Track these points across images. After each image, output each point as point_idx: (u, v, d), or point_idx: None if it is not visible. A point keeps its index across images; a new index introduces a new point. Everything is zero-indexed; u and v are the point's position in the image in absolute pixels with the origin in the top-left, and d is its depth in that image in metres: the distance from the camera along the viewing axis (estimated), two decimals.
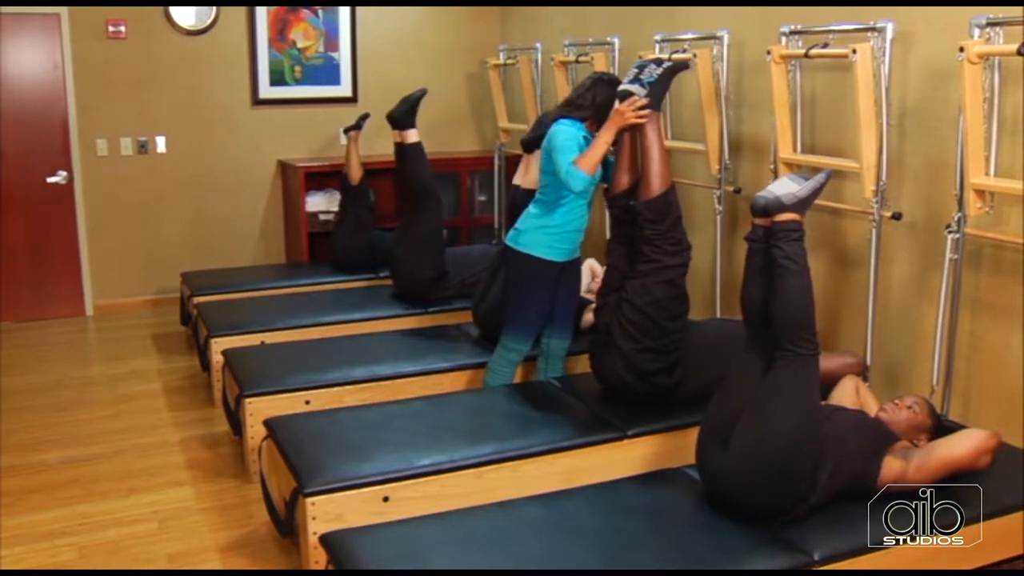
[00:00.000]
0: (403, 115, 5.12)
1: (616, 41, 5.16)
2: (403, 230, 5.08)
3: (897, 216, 3.55)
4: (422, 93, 5.22)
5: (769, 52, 3.85)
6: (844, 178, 3.90)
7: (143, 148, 6.14)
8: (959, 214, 3.24)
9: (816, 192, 2.66)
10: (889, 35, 3.44)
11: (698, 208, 4.80)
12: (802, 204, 2.61)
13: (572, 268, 3.86)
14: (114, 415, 4.45)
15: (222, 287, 5.37)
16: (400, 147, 5.11)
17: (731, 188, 4.46)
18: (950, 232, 3.27)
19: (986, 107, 3.13)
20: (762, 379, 2.59)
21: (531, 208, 3.79)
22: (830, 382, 3.27)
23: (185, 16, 6.08)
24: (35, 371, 5.07)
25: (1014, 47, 2.88)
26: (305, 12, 6.36)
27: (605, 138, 3.47)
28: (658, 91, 3.42)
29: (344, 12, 6.44)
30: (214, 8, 6.12)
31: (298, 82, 6.43)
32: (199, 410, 4.51)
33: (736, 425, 2.60)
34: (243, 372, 3.87)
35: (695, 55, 4.30)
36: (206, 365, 4.63)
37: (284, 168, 6.40)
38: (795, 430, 2.53)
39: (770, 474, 2.53)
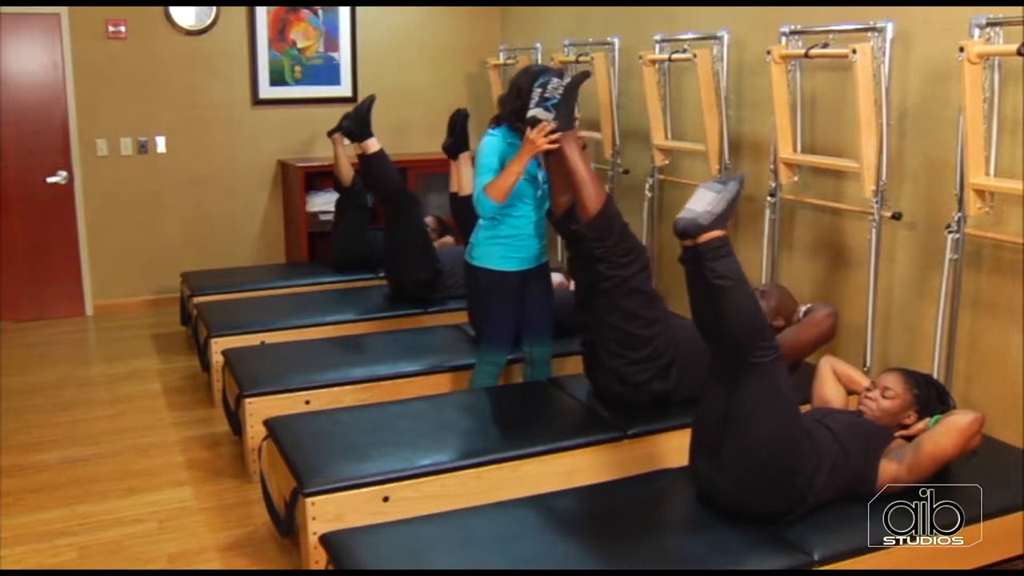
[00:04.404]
0: (357, 127, 5.03)
1: (616, 41, 5.16)
2: (389, 236, 5.07)
3: (897, 216, 3.55)
4: (371, 100, 5.11)
5: (769, 52, 3.85)
6: (844, 178, 3.90)
7: (143, 148, 6.14)
8: (959, 214, 3.24)
9: (732, 202, 2.55)
10: (889, 35, 3.44)
11: None
12: (721, 219, 2.51)
13: (538, 274, 3.75)
14: (114, 415, 4.45)
15: (222, 287, 5.37)
16: (363, 158, 5.05)
17: None
18: (950, 232, 3.27)
19: (986, 107, 3.13)
20: (735, 391, 2.57)
21: (480, 220, 3.69)
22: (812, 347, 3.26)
23: (185, 16, 6.08)
24: (35, 371, 5.07)
25: (1014, 47, 2.88)
26: (305, 12, 6.36)
27: (515, 168, 3.41)
28: (565, 110, 3.29)
29: (344, 12, 6.45)
30: (214, 8, 6.12)
31: (298, 82, 6.43)
32: (199, 410, 4.51)
33: (722, 434, 2.60)
34: (243, 372, 3.87)
35: (695, 55, 4.30)
36: (206, 365, 4.63)
37: (284, 168, 6.40)
38: (779, 435, 2.52)
39: (767, 478, 2.54)
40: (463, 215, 4.24)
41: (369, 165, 5.03)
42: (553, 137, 3.29)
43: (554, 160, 3.37)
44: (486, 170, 3.50)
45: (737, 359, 2.52)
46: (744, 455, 2.54)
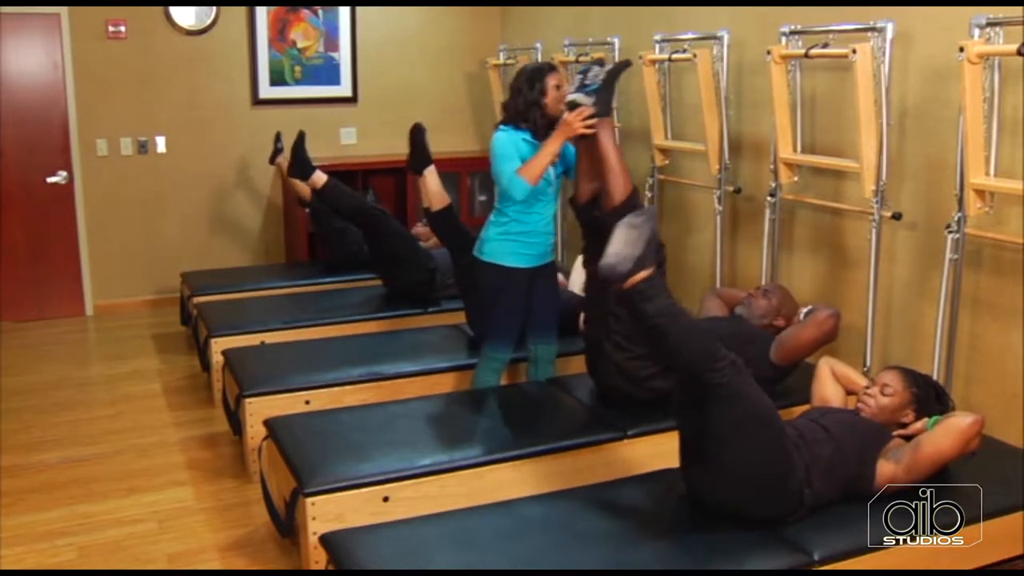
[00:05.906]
0: (300, 168, 5.01)
1: (616, 41, 5.17)
2: (373, 251, 5.09)
3: (897, 216, 3.55)
4: (301, 137, 5.07)
5: (769, 52, 3.85)
6: (844, 178, 3.90)
7: (143, 148, 6.14)
8: (959, 214, 3.24)
9: (650, 241, 2.52)
10: (889, 35, 3.44)
11: (698, 208, 4.81)
12: (642, 260, 2.48)
13: (546, 272, 3.77)
14: (114, 415, 4.45)
15: (222, 287, 5.37)
16: (316, 192, 5.07)
17: (731, 188, 4.46)
18: (950, 232, 3.27)
19: (986, 107, 3.13)
20: (706, 416, 2.55)
21: (491, 216, 3.70)
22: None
23: (185, 16, 6.08)
24: (35, 371, 5.07)
25: (1014, 47, 2.88)
26: (305, 12, 6.36)
27: (550, 149, 3.41)
28: (604, 96, 3.30)
29: (344, 12, 6.45)
30: (214, 8, 6.12)
31: (298, 82, 6.43)
32: (199, 410, 4.51)
33: (703, 454, 2.60)
34: (243, 372, 3.87)
35: (695, 55, 4.30)
36: (206, 365, 4.63)
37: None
38: (760, 447, 2.51)
39: (759, 486, 2.54)
40: (441, 229, 4.25)
41: (325, 197, 5.04)
42: (590, 122, 3.28)
43: (586, 146, 3.37)
44: (508, 158, 3.51)
45: (696, 384, 2.51)
46: (730, 472, 2.55)
